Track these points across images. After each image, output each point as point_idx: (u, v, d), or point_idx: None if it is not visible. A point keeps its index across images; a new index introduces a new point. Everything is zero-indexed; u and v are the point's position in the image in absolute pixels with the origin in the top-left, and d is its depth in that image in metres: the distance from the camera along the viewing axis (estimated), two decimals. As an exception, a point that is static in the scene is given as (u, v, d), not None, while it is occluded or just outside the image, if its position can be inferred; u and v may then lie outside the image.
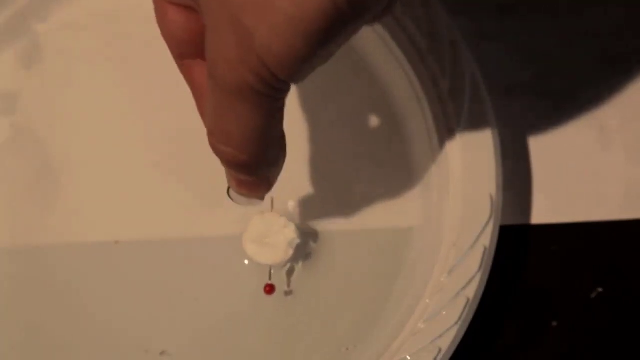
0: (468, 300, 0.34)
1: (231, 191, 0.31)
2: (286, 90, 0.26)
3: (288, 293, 0.36)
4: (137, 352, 0.35)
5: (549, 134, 0.40)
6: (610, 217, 0.39)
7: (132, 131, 0.39)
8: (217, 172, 0.39)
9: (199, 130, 0.39)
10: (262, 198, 0.32)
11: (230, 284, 0.37)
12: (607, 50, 0.42)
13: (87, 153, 0.39)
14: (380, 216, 0.38)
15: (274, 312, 0.36)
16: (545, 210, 0.39)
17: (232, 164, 0.28)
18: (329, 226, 0.38)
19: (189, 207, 0.38)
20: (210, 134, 0.28)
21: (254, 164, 0.28)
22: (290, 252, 0.35)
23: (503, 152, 0.37)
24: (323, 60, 0.25)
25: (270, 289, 0.36)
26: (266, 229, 0.35)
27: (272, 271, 0.36)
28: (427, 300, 0.35)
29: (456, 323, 0.34)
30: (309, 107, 0.39)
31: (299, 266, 0.37)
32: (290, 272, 0.37)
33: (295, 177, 0.37)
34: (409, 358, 0.33)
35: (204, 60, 0.26)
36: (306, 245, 0.37)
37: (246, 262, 0.37)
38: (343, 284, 0.37)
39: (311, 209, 0.38)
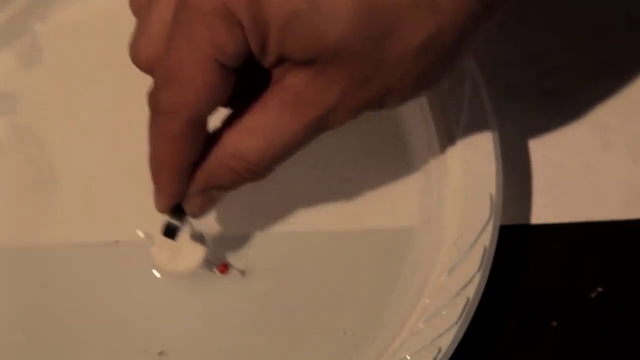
0: (468, 300, 0.34)
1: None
2: None
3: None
4: (135, 352, 0.35)
5: (549, 133, 0.40)
6: (610, 217, 0.39)
7: (132, 131, 0.39)
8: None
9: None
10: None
11: (230, 284, 0.37)
12: (607, 50, 0.42)
13: (87, 153, 0.39)
14: (380, 216, 0.38)
15: (273, 312, 0.36)
16: (545, 210, 0.39)
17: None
18: (328, 227, 0.38)
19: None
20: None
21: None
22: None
23: (503, 152, 0.37)
24: None
25: (224, 268, 0.36)
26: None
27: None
28: (427, 300, 0.35)
29: (456, 323, 0.34)
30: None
31: (298, 268, 0.37)
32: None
33: (294, 178, 0.37)
34: (408, 358, 0.33)
35: None
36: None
37: (156, 273, 0.36)
38: (343, 284, 0.37)
39: (310, 209, 0.38)
